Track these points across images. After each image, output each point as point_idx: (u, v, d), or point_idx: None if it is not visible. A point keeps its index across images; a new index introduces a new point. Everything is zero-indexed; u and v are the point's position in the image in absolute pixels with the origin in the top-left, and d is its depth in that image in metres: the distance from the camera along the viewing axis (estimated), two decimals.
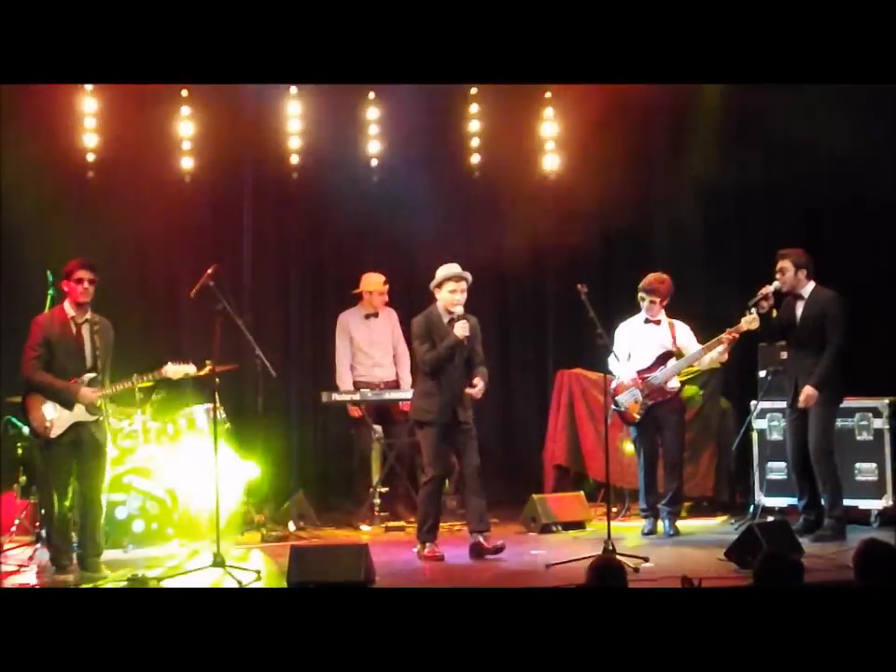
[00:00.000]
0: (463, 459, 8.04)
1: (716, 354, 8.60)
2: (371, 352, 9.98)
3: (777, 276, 8.29)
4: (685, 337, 8.80)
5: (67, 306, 7.67)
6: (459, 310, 7.97)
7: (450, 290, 7.97)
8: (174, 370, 7.99)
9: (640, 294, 8.76)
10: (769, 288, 8.25)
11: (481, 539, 7.92)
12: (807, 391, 8.13)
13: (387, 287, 9.98)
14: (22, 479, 8.87)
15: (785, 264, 8.28)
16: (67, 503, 7.64)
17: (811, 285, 8.31)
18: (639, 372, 8.72)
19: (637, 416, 8.72)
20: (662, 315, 8.83)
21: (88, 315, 7.67)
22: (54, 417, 7.56)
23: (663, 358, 8.72)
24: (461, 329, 7.89)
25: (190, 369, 8.09)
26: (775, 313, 8.36)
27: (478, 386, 7.92)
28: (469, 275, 8.04)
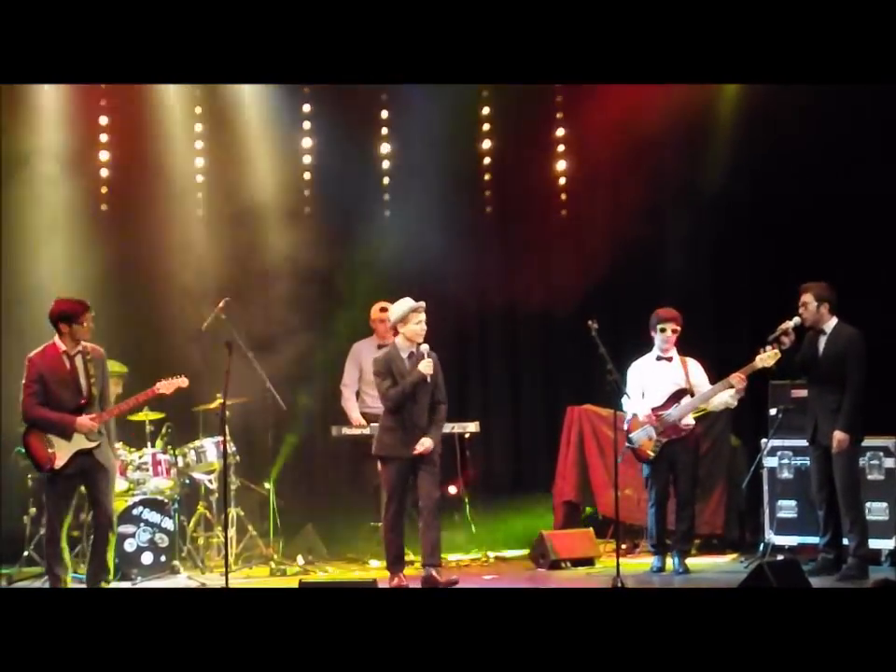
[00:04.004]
0: (421, 492, 8.06)
1: (727, 397, 8.56)
2: None
3: (800, 310, 8.19)
4: (697, 375, 8.76)
5: (58, 340, 7.72)
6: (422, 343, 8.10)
7: (416, 322, 8.09)
8: (166, 385, 8.00)
9: (660, 326, 8.68)
10: (789, 323, 8.15)
11: (433, 573, 7.96)
12: (839, 436, 8.01)
13: (385, 313, 9.94)
14: (32, 510, 8.88)
15: (807, 298, 8.17)
16: (75, 533, 7.67)
17: (833, 320, 8.19)
18: (654, 409, 8.71)
19: (652, 454, 8.68)
20: (674, 352, 8.82)
21: (79, 347, 7.72)
22: (55, 449, 7.61)
23: (676, 396, 8.69)
24: (426, 367, 8.00)
25: (182, 382, 8.08)
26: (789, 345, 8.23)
27: (424, 446, 7.98)
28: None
